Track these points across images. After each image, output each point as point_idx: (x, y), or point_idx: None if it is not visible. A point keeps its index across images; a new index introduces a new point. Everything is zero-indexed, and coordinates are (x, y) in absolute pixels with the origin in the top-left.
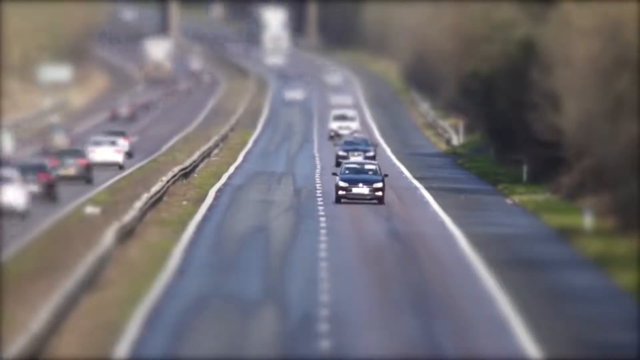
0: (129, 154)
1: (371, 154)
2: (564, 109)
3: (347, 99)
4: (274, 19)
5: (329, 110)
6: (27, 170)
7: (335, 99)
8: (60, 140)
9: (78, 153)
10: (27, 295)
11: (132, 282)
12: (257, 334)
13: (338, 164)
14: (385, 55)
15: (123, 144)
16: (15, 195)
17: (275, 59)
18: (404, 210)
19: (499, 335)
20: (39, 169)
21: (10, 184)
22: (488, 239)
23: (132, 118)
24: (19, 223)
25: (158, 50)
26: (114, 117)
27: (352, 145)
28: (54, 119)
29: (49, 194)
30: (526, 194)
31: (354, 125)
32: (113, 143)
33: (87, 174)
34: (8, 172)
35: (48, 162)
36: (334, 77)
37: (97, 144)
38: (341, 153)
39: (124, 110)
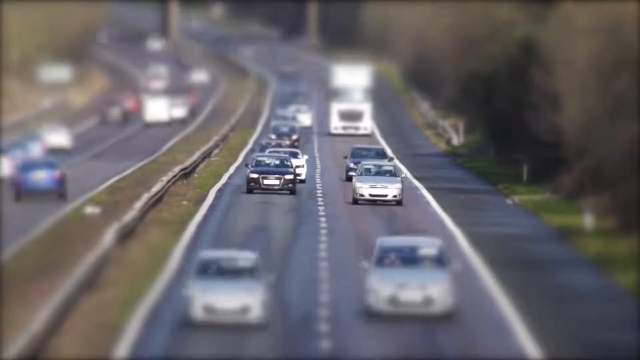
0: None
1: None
2: (564, 109)
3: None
4: (350, 81)
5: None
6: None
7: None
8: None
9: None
10: (27, 295)
11: (132, 282)
12: (257, 334)
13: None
14: (385, 55)
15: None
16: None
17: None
18: (404, 209)
19: (499, 335)
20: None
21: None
22: (488, 239)
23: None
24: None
25: None
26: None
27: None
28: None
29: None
30: (526, 194)
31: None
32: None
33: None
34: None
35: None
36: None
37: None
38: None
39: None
